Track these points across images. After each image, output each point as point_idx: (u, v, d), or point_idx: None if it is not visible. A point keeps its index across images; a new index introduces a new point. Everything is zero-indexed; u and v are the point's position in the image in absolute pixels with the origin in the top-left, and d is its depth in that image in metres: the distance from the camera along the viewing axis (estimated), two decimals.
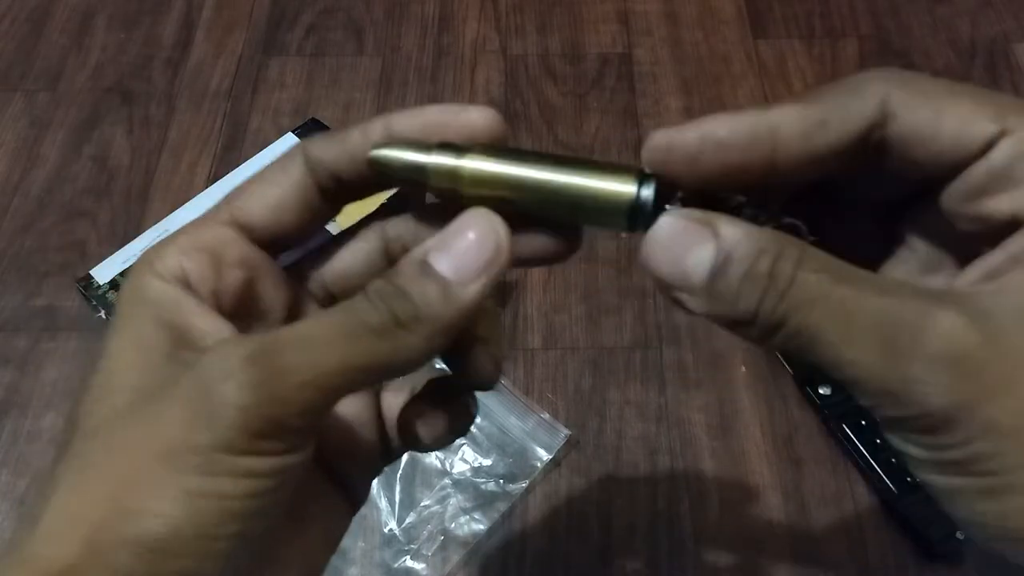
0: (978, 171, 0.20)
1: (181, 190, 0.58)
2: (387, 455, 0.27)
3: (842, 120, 0.21)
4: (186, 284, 0.21)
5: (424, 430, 0.26)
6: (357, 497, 0.26)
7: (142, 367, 0.20)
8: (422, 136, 0.22)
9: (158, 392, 0.20)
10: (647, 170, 0.22)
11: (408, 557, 0.44)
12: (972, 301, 0.20)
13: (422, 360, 0.21)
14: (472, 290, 0.21)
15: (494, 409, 0.48)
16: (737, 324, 0.20)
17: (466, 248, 0.21)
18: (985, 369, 0.19)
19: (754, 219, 0.22)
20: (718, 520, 0.45)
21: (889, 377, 0.19)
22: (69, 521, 0.19)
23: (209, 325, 0.21)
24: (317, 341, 0.20)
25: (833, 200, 0.25)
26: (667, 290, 0.21)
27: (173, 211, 0.56)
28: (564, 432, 0.47)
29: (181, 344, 0.21)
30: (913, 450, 0.20)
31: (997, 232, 0.21)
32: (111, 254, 0.54)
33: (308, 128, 0.60)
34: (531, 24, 0.67)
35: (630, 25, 0.66)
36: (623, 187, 0.21)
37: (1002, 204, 0.20)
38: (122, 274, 0.53)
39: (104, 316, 0.51)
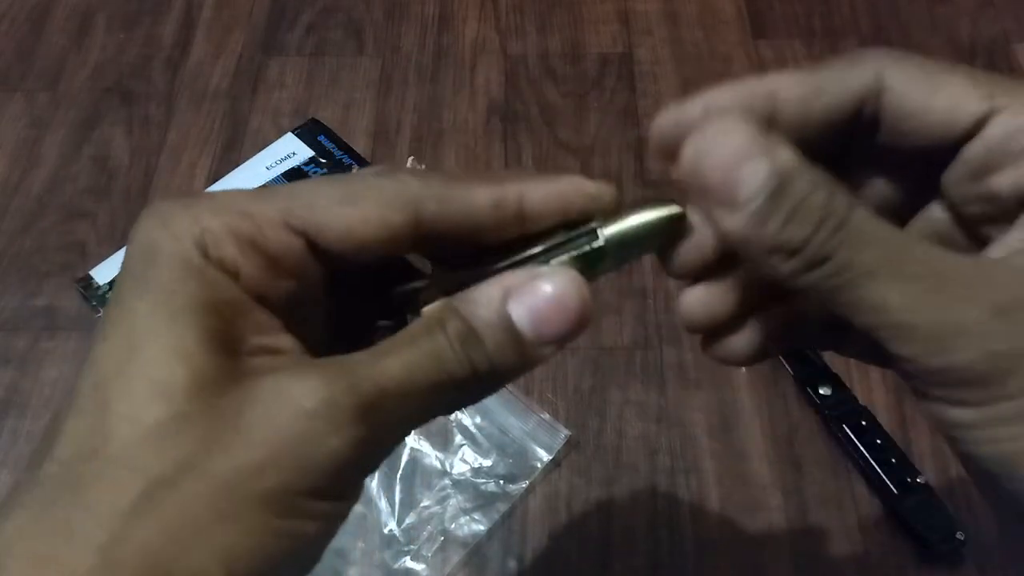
0: (975, 149, 0.21)
1: (181, 190, 0.58)
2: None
3: (838, 88, 0.21)
4: (236, 278, 0.20)
5: None
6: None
7: (188, 370, 0.18)
8: (560, 207, 0.22)
9: (218, 412, 0.18)
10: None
11: (408, 558, 0.44)
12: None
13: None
14: (546, 352, 0.21)
15: (494, 409, 0.48)
16: (775, 251, 0.19)
17: (552, 311, 0.20)
18: None
19: None
20: (718, 520, 0.45)
21: (937, 321, 0.18)
22: (133, 554, 0.17)
23: (271, 334, 0.20)
24: (413, 394, 0.19)
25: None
26: (703, 201, 0.20)
27: None
28: (564, 432, 0.47)
29: (233, 346, 0.19)
30: (958, 412, 0.19)
31: (1006, 211, 0.21)
32: (111, 254, 0.54)
33: (308, 128, 0.60)
34: (531, 24, 0.67)
35: (630, 25, 0.66)
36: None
37: (1005, 180, 0.20)
38: None
39: None
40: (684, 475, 0.47)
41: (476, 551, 0.45)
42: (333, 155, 0.58)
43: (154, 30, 0.67)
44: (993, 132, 0.20)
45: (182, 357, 0.18)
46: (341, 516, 0.20)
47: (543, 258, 0.22)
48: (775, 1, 0.67)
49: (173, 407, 0.18)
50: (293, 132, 0.60)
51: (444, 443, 0.47)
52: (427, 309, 0.22)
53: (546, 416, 0.48)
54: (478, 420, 0.48)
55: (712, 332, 0.24)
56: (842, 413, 0.47)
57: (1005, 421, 0.18)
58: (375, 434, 0.19)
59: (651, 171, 0.58)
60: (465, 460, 0.47)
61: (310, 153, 0.58)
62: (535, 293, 0.20)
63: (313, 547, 0.19)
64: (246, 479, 0.18)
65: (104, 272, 0.53)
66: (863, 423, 0.46)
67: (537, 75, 0.64)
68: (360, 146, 0.60)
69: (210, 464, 0.18)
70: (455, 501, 0.46)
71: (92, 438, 0.18)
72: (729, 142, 0.20)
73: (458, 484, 0.46)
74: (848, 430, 0.46)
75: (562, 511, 0.46)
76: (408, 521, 0.45)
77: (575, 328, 0.21)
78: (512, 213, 0.21)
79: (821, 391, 0.48)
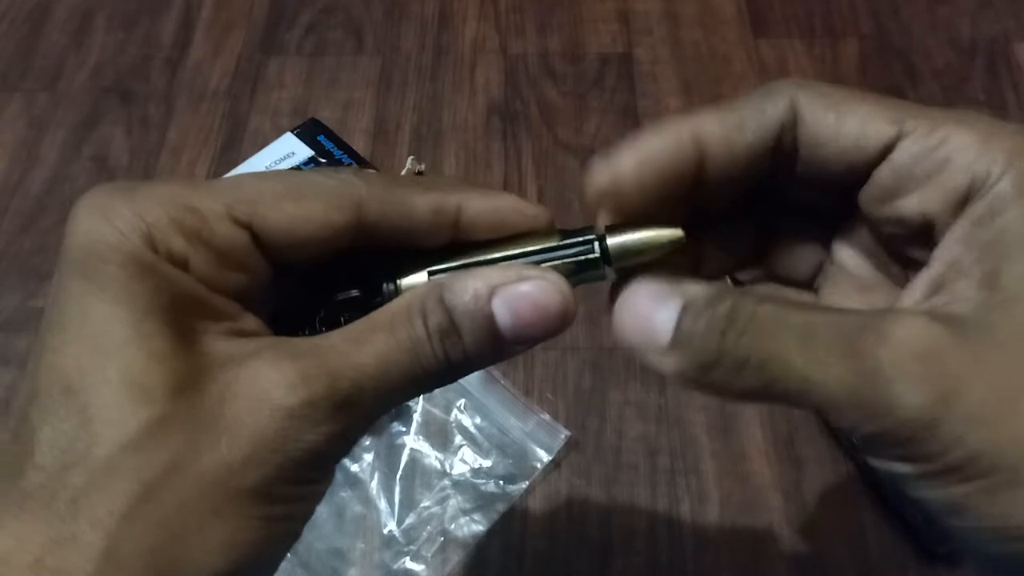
0: (884, 173, 0.21)
1: None
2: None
3: (757, 122, 0.22)
4: (186, 269, 0.20)
5: None
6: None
7: (164, 371, 0.18)
8: (496, 222, 0.23)
9: (200, 411, 0.19)
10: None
11: (408, 558, 0.44)
12: (926, 308, 0.20)
13: None
14: (519, 349, 0.21)
15: (494, 410, 0.48)
16: (707, 370, 0.20)
17: (534, 315, 0.21)
18: (952, 361, 0.19)
19: None
20: (718, 520, 0.45)
21: (860, 387, 0.19)
22: (135, 555, 0.17)
23: (234, 318, 0.20)
24: (390, 388, 0.20)
25: (773, 226, 0.26)
26: (643, 358, 0.22)
27: None
28: (564, 433, 0.47)
29: (200, 338, 0.20)
30: (902, 467, 0.19)
31: (915, 232, 0.21)
32: None
33: (308, 128, 0.60)
34: (531, 24, 0.67)
35: (630, 25, 0.66)
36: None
37: (911, 204, 0.21)
38: None
39: None
40: (684, 475, 0.47)
41: (476, 551, 0.45)
42: (332, 155, 0.58)
43: (153, 30, 0.67)
44: (900, 156, 0.21)
45: (156, 359, 0.18)
46: (320, 494, 0.21)
47: (535, 258, 0.23)
48: (775, 1, 0.67)
49: (155, 410, 0.18)
50: (292, 132, 0.59)
51: (444, 443, 0.47)
52: (408, 287, 0.23)
53: (546, 416, 0.48)
54: (478, 420, 0.48)
55: None
56: None
57: (939, 474, 0.19)
58: (349, 427, 0.20)
59: None
60: (465, 460, 0.47)
61: (309, 153, 0.58)
62: (521, 294, 0.21)
63: (299, 523, 0.21)
64: (234, 476, 0.18)
65: None
66: None
67: (537, 75, 0.64)
68: (360, 146, 0.60)
69: (199, 464, 0.18)
70: (455, 501, 0.46)
71: (76, 444, 0.18)
72: (637, 303, 0.21)
73: (458, 484, 0.46)
74: None
75: (562, 511, 0.46)
76: (408, 522, 0.45)
77: (553, 332, 0.21)
78: (449, 222, 0.22)
79: None
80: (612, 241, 0.23)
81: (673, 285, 0.21)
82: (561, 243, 0.23)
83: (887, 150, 0.21)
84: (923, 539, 0.43)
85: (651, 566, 0.44)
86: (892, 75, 0.62)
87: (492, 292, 0.21)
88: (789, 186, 0.24)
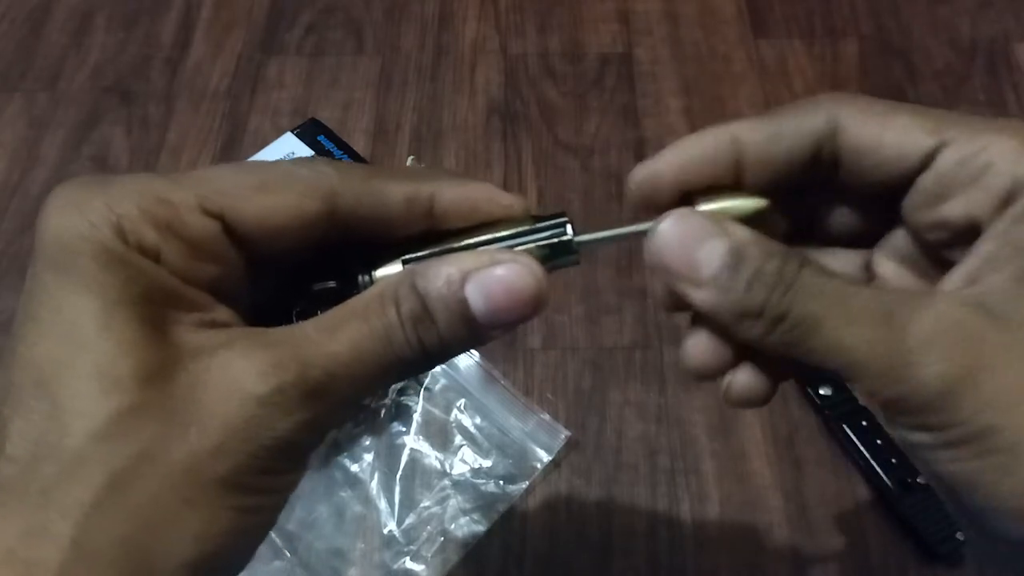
0: (928, 180, 0.22)
1: None
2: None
3: (795, 132, 0.23)
4: (157, 261, 0.20)
5: None
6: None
7: (134, 361, 0.18)
8: (470, 210, 0.23)
9: (170, 400, 0.19)
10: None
11: (408, 558, 0.44)
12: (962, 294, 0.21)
13: None
14: (496, 334, 0.21)
15: (494, 410, 0.48)
16: (742, 317, 0.21)
17: (508, 298, 0.21)
18: (982, 340, 0.19)
19: None
20: (718, 520, 0.45)
21: (886, 353, 0.20)
22: (105, 543, 0.18)
23: (206, 309, 0.20)
24: (360, 376, 0.20)
25: (810, 237, 0.26)
26: (672, 282, 0.22)
27: None
28: (564, 433, 0.47)
29: (171, 328, 0.19)
30: (918, 436, 0.20)
31: (960, 236, 0.22)
32: None
33: (308, 128, 0.60)
34: (531, 24, 0.67)
35: (630, 25, 0.66)
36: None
37: (956, 208, 0.22)
38: None
39: None
40: (684, 475, 0.47)
41: (476, 552, 0.45)
42: (332, 155, 0.58)
43: (153, 30, 0.67)
44: (943, 163, 0.22)
45: (126, 349, 0.18)
46: (293, 485, 0.21)
47: (507, 243, 0.23)
48: (775, 1, 0.67)
49: (125, 399, 0.18)
50: (292, 132, 0.59)
51: (444, 443, 0.47)
52: (383, 277, 0.23)
53: (546, 416, 0.48)
54: (478, 420, 0.48)
55: (720, 374, 0.25)
56: (842, 413, 0.47)
57: (960, 444, 0.20)
58: (322, 416, 0.20)
59: None
60: (465, 460, 0.47)
61: (309, 153, 0.58)
62: (494, 278, 0.21)
63: (272, 514, 0.20)
64: (204, 465, 0.18)
65: None
66: (863, 423, 0.46)
67: (537, 75, 0.64)
68: (360, 146, 0.60)
69: (169, 453, 0.18)
70: (455, 502, 0.46)
71: (47, 436, 0.18)
72: (685, 230, 0.22)
73: (458, 484, 0.46)
74: (848, 430, 0.46)
75: (562, 511, 0.46)
76: (408, 522, 0.45)
77: (528, 316, 0.21)
78: (423, 211, 0.23)
79: (821, 391, 0.48)
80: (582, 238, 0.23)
81: (720, 223, 0.22)
82: (533, 227, 0.23)
83: (928, 159, 0.22)
84: (923, 539, 0.43)
85: (651, 566, 0.44)
86: (892, 75, 0.62)
87: (465, 277, 0.21)
88: (833, 191, 0.25)
